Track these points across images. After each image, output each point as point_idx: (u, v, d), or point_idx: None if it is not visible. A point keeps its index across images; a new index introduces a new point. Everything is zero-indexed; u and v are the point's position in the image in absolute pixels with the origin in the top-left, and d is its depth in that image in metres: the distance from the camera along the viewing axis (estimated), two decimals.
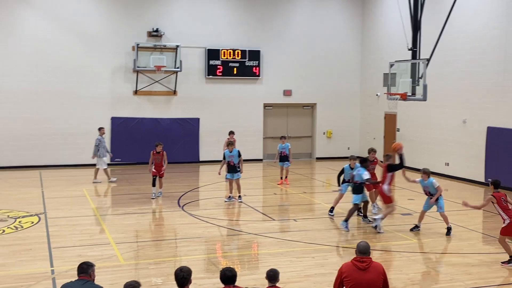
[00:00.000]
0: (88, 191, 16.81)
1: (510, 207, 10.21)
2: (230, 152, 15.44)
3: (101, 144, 18.53)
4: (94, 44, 21.94)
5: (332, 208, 13.77)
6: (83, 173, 20.18)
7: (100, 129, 18.87)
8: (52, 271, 9.49)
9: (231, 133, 18.86)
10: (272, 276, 6.34)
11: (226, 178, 16.36)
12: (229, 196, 15.55)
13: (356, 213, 13.52)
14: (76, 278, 6.16)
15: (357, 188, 12.78)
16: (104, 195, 17.10)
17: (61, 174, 20.33)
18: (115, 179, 18.62)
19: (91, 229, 12.41)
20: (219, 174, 16.20)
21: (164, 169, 15.86)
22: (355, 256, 6.36)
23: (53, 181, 18.84)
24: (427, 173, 12.20)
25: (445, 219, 12.18)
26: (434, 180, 12.17)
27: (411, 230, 12.34)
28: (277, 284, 6.35)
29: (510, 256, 10.05)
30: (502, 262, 10.08)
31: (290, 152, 18.39)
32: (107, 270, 9.47)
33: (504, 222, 10.09)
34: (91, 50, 21.91)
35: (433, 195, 12.12)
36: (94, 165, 18.95)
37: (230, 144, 15.71)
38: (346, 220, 12.54)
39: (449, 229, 12.12)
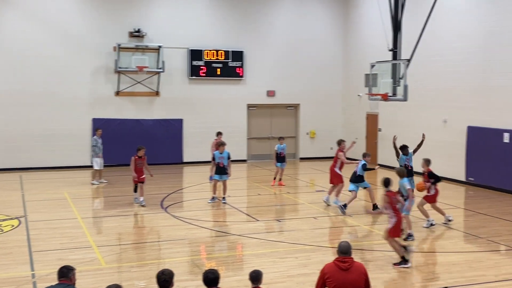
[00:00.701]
0: (69, 194, 16.66)
1: (398, 207, 10.16)
2: (221, 154, 15.23)
3: (97, 145, 18.45)
4: (75, 44, 21.74)
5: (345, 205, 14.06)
6: (64, 176, 20.00)
7: (97, 130, 18.87)
8: (33, 275, 9.38)
9: (219, 134, 18.68)
10: (255, 277, 6.34)
11: (212, 179, 15.93)
12: (213, 197, 15.46)
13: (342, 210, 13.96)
14: (57, 282, 6.10)
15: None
16: (85, 197, 16.94)
17: (41, 176, 20.11)
18: (97, 183, 18.43)
19: (72, 232, 12.28)
20: (212, 176, 15.67)
21: (144, 177, 15.04)
22: (337, 256, 6.38)
23: (34, 183, 18.63)
24: (398, 173, 11.74)
25: (408, 224, 11.64)
26: (406, 182, 11.62)
27: (406, 239, 11.49)
28: (260, 285, 6.35)
29: (402, 257, 9.82)
30: (394, 264, 9.88)
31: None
32: (88, 273, 9.38)
33: (390, 222, 9.94)
34: (71, 51, 21.71)
35: (403, 196, 11.56)
36: (81, 167, 18.89)
37: (222, 145, 15.43)
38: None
39: (409, 235, 11.56)
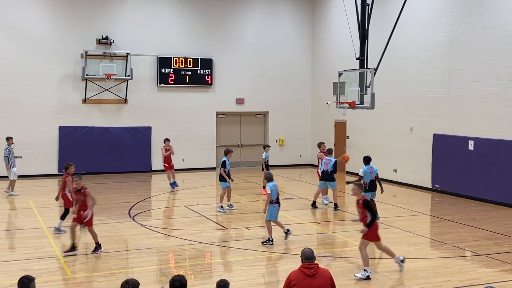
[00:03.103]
0: (35, 203, 16.33)
1: None
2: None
3: (11, 154, 17.84)
4: (42, 51, 21.41)
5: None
6: (29, 184, 19.60)
7: (8, 139, 17.83)
8: None
9: (167, 140, 18.76)
10: (223, 286, 6.31)
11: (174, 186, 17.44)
12: (224, 205, 15.57)
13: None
14: None
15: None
16: (51, 206, 16.62)
17: (7, 185, 19.64)
18: (17, 194, 17.84)
19: (38, 242, 12.04)
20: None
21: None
22: (302, 263, 6.41)
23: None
24: (266, 177, 12.19)
25: (279, 225, 12.12)
26: (268, 186, 11.87)
27: (263, 243, 11.86)
28: None
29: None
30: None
31: None
32: (53, 284, 9.21)
33: None
34: (38, 58, 21.37)
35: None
36: (27, 176, 18.43)
37: (230, 151, 15.66)
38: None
39: (286, 232, 12.07)
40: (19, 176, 20.85)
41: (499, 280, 9.59)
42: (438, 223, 14.30)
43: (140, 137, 22.86)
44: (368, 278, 9.54)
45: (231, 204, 15.68)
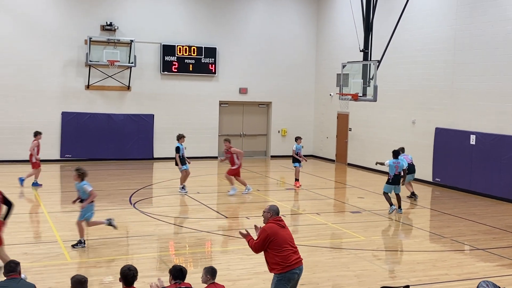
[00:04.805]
0: (36, 188, 16.39)
1: None
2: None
3: None
4: (46, 37, 21.39)
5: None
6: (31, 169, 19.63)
7: None
8: None
9: (38, 134, 17.16)
10: (215, 272, 6.60)
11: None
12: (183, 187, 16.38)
13: None
14: (4, 278, 6.18)
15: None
16: (53, 191, 16.71)
17: (8, 170, 19.74)
18: None
19: (38, 226, 12.12)
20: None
21: None
22: (272, 217, 7.20)
23: (1, 177, 18.27)
24: (78, 174, 10.55)
25: (80, 231, 10.66)
26: (86, 184, 10.53)
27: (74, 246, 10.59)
28: (216, 281, 6.61)
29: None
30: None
31: None
32: (53, 268, 9.28)
33: None
34: (42, 43, 21.35)
35: (83, 200, 10.64)
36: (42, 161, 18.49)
37: (182, 137, 16.22)
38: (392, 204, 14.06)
39: (79, 242, 10.62)
40: (20, 161, 20.97)
41: (497, 274, 9.63)
42: (438, 217, 14.33)
43: (142, 124, 22.88)
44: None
45: (182, 187, 16.27)
